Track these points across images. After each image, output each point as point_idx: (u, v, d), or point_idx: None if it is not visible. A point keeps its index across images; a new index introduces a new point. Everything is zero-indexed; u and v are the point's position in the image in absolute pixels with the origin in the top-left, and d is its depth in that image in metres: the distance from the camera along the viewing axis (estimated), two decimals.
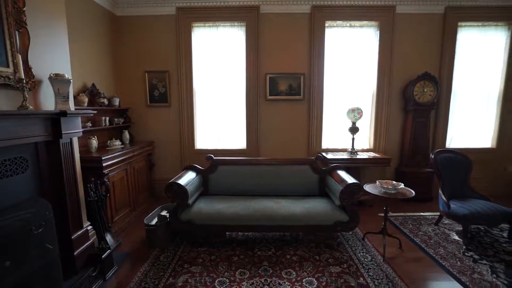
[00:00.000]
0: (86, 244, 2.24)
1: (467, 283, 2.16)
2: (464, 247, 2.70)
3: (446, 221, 3.25)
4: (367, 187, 2.64)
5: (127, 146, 3.49)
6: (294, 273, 2.28)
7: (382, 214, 2.78)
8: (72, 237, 2.10)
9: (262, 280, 2.18)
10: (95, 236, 2.48)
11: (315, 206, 2.71)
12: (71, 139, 2.11)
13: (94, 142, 2.95)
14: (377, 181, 2.70)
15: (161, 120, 4.09)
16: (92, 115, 2.59)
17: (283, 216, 2.60)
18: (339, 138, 4.21)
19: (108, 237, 2.60)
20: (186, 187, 2.60)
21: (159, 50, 3.94)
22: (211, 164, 3.14)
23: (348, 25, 3.92)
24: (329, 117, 4.15)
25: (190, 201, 2.65)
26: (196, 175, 3.01)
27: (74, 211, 2.16)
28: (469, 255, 2.57)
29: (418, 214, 3.52)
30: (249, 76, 3.96)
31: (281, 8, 3.85)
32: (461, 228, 3.05)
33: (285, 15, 3.87)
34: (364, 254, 2.58)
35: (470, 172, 3.16)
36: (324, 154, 3.88)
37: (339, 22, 3.89)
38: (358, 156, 3.81)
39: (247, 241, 2.81)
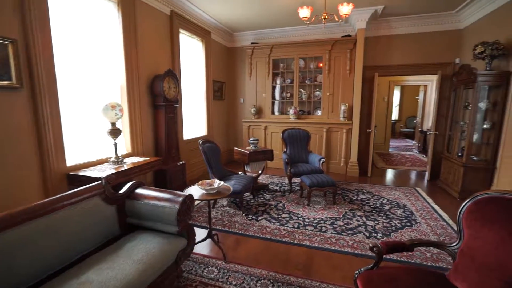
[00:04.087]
0: None
1: (268, 236, 2.84)
2: (244, 214, 3.41)
3: (218, 203, 3.78)
4: (194, 196, 2.29)
5: None
6: None
7: None
8: None
9: None
10: None
11: (147, 250, 1.81)
12: None
13: None
14: (195, 184, 2.44)
15: None
16: None
17: None
18: (88, 147, 3.01)
19: None
20: None
21: None
22: None
23: None
24: (67, 116, 2.76)
25: None
26: None
27: None
28: (250, 218, 3.31)
29: (195, 205, 3.71)
30: None
31: None
32: (226, 202, 3.79)
33: None
34: (209, 269, 2.29)
35: (220, 155, 3.94)
36: (75, 173, 2.63)
37: None
38: (126, 166, 3.03)
39: None
